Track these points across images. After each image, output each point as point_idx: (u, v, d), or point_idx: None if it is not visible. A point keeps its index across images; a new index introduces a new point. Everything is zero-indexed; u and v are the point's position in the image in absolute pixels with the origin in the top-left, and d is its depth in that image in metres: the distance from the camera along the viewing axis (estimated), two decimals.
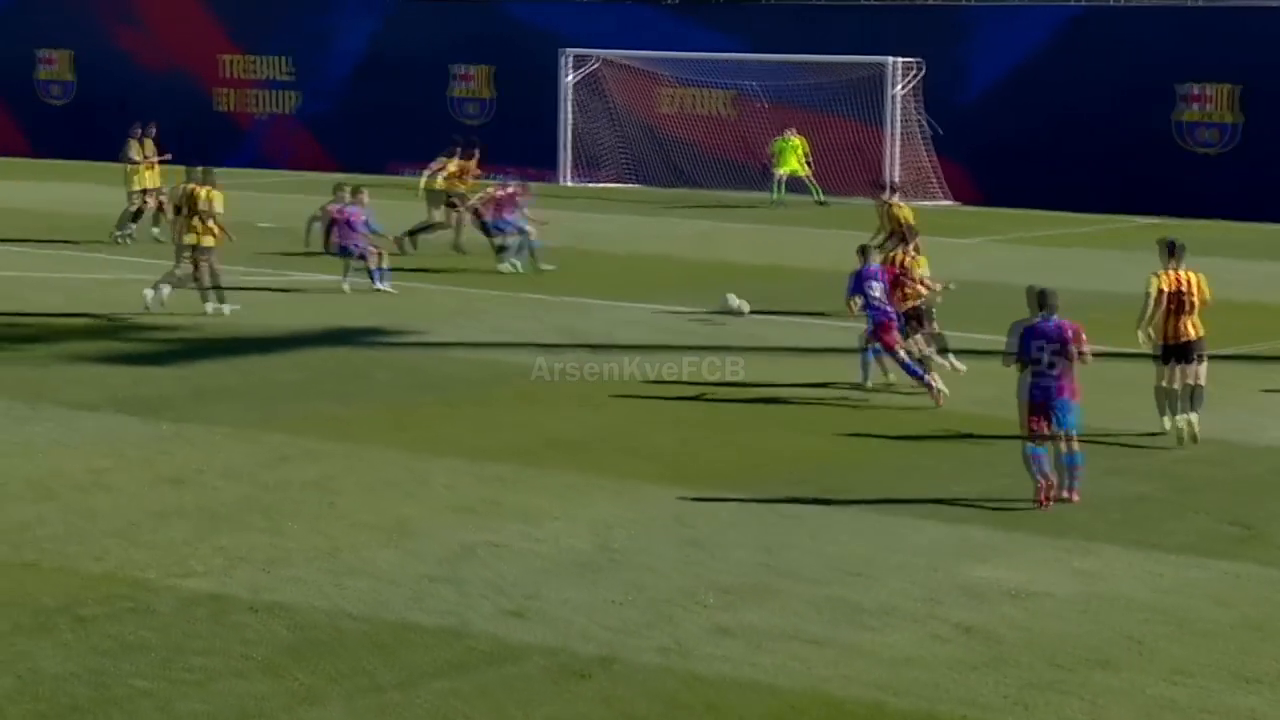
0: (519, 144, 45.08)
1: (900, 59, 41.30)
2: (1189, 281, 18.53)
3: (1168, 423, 18.61)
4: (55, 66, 50.93)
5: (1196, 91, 39.85)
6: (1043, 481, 15.88)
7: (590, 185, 43.86)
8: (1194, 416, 18.47)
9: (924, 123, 40.91)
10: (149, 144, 33.50)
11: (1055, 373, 16.07)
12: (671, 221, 36.83)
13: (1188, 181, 39.26)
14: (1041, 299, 16.24)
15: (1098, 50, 40.61)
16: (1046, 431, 16.03)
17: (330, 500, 15.81)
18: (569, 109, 44.20)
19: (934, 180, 41.28)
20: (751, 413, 19.62)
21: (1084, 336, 16.27)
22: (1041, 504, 15.82)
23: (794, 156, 40.36)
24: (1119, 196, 39.41)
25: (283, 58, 48.65)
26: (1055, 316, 16.21)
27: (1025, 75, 41.11)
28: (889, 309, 20.61)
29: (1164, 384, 18.72)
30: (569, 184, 43.93)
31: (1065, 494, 16.06)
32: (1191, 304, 18.45)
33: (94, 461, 16.99)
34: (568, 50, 44.33)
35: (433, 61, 46.79)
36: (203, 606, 12.86)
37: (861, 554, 14.40)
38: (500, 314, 25.68)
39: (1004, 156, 40.94)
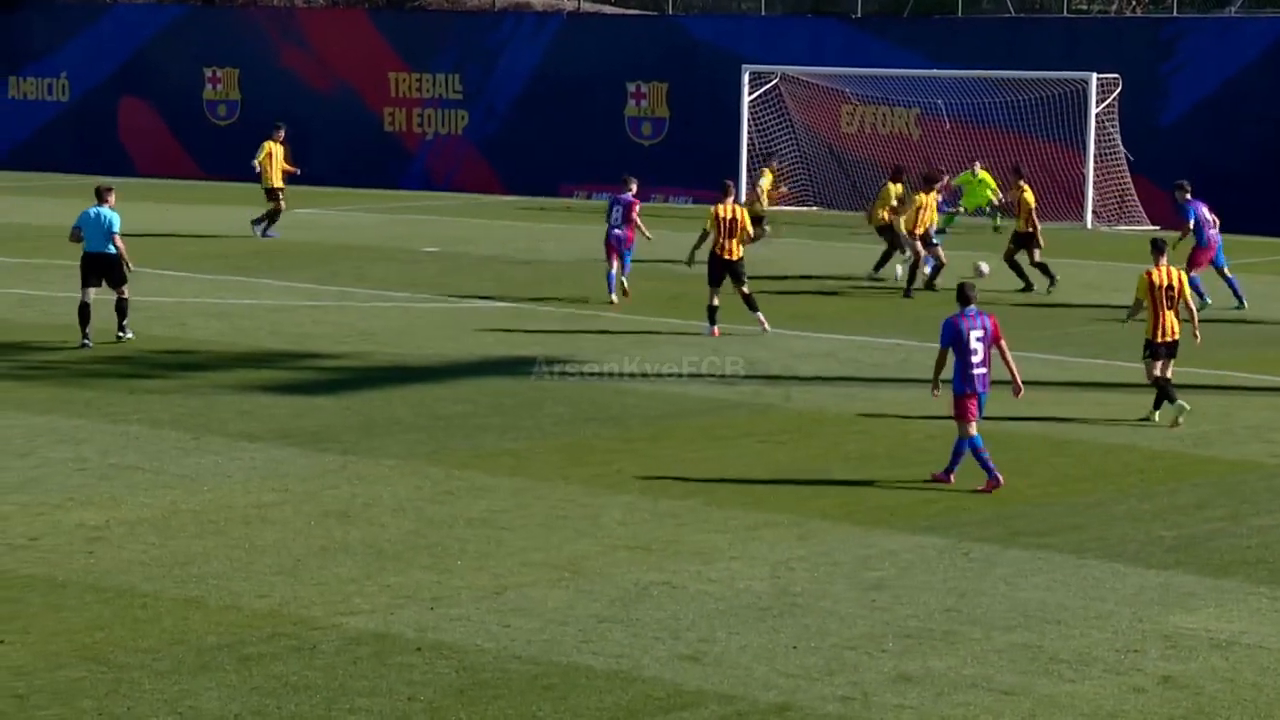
0: (694, 165, 45.22)
1: (1098, 75, 40.82)
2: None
3: None
4: (221, 86, 51.96)
5: None
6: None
7: (769, 208, 43.78)
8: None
9: (1121, 147, 40.39)
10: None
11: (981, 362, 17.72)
12: (853, 247, 36.66)
13: None
14: (962, 292, 18.02)
15: None
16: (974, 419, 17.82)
17: (499, 537, 15.92)
18: (747, 128, 44.19)
19: (1133, 204, 40.75)
20: (941, 449, 19.46)
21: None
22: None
23: (985, 191, 38.99)
24: None
25: (454, 75, 49.21)
26: (973, 308, 17.87)
27: (1233, 92, 40.44)
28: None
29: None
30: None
31: (949, 476, 17.76)
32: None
33: (259, 495, 17.27)
34: (747, 66, 44.34)
35: (606, 79, 47.06)
36: (367, 646, 13.00)
37: (1057, 600, 14.21)
38: (676, 345, 25.74)
39: (1208, 179, 40.23)
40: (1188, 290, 20.95)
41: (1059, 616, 13.80)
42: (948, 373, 18.02)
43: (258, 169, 38.11)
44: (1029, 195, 31.98)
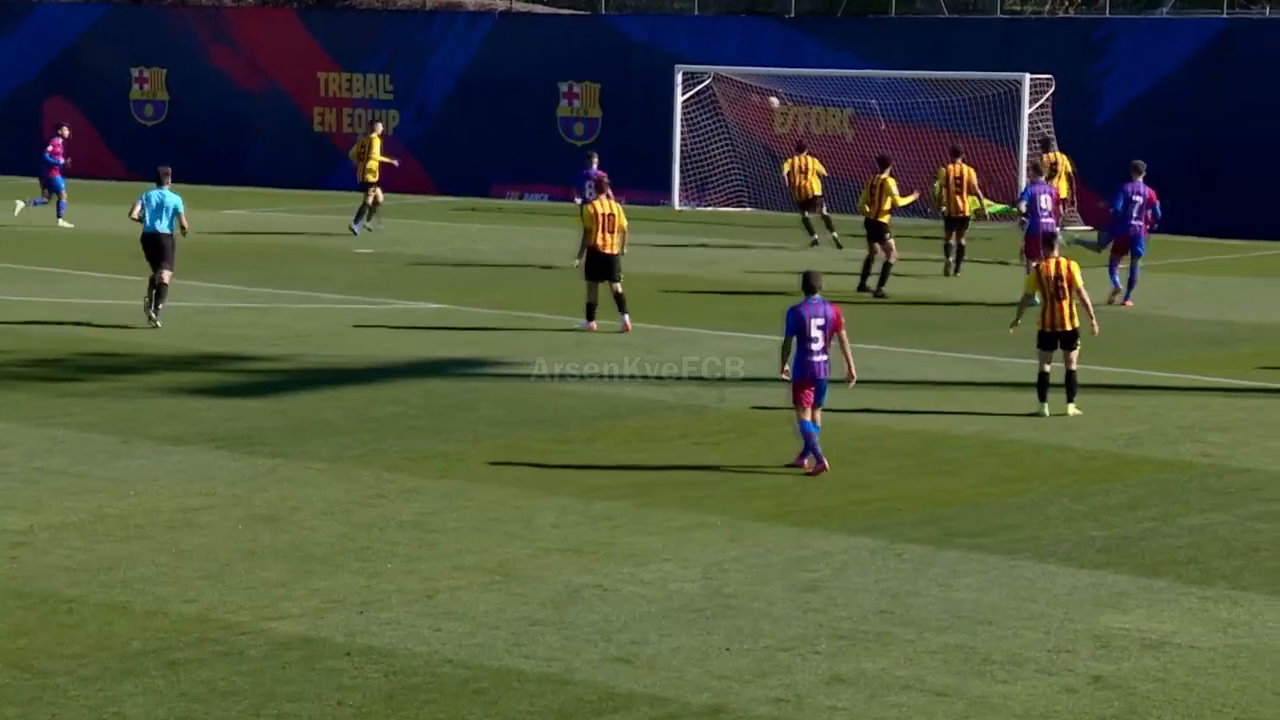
0: (627, 165, 45.23)
1: (1031, 75, 41.03)
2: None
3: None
4: (148, 86, 51.64)
5: None
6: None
7: (702, 209, 43.88)
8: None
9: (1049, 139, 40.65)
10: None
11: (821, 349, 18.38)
12: (788, 247, 36.77)
13: None
14: (807, 281, 18.66)
15: (1244, 66, 40.19)
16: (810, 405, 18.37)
17: (430, 540, 15.88)
18: (680, 128, 44.22)
19: (1068, 204, 40.93)
20: (872, 450, 19.53)
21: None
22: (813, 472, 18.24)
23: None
24: (1270, 222, 38.89)
25: (384, 76, 49.07)
26: (816, 298, 18.49)
27: (1164, 93, 40.73)
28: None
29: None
30: (680, 208, 43.96)
31: (806, 461, 18.35)
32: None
33: (186, 499, 17.17)
34: (680, 66, 44.38)
35: (538, 79, 47.01)
36: (295, 651, 12.95)
37: (990, 601, 14.28)
38: (610, 346, 25.74)
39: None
40: (1079, 281, 21.23)
41: (991, 617, 13.86)
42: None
43: (361, 158, 39.06)
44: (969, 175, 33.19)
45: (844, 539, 16.03)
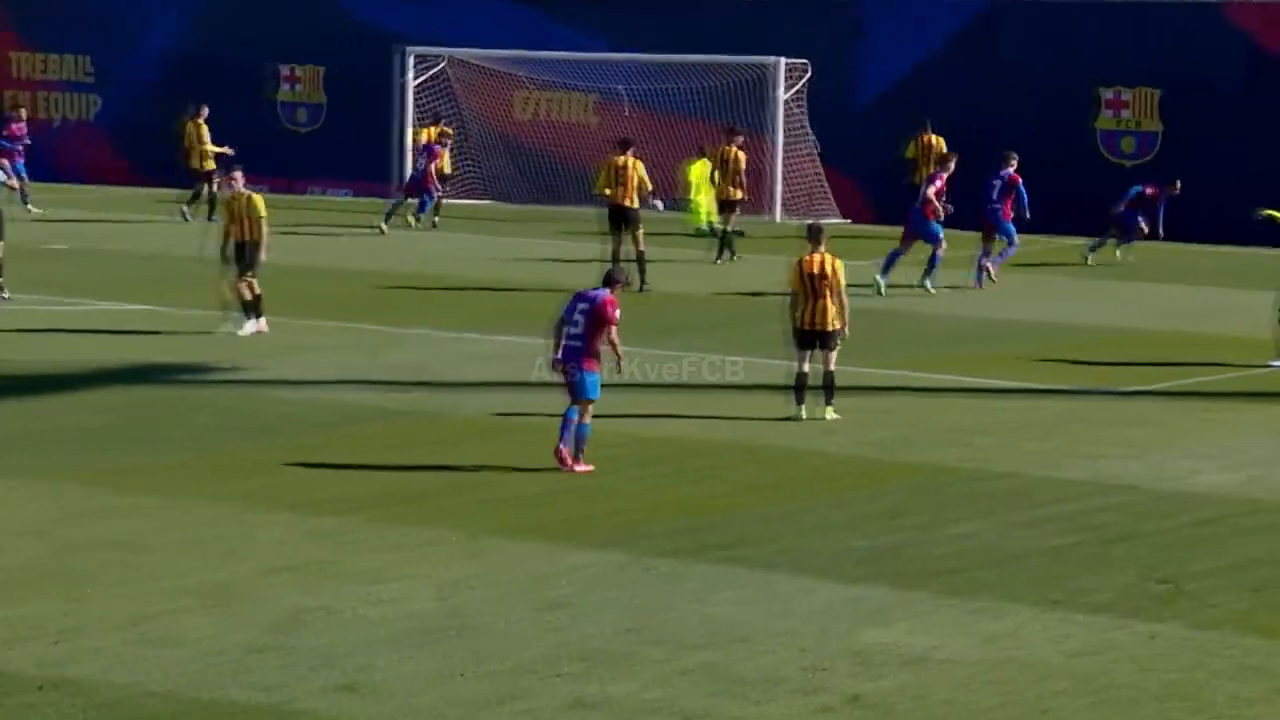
0: (352, 154, 45.00)
1: (786, 59, 41.63)
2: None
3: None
4: None
5: (1117, 96, 40.58)
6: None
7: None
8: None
9: (810, 134, 41.31)
10: None
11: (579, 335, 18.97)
12: (526, 242, 36.91)
13: (1112, 196, 39.73)
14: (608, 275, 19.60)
15: (1007, 51, 41.18)
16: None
17: (138, 561, 15.70)
18: (410, 115, 44.14)
19: (823, 195, 41.61)
20: (623, 457, 19.67)
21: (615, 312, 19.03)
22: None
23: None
24: (1035, 213, 39.86)
25: (84, 57, 48.26)
26: (602, 289, 19.14)
27: (925, 78, 41.56)
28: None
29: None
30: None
31: (577, 466, 18.84)
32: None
33: None
34: (409, 49, 44.31)
35: (254, 62, 46.57)
36: None
37: (744, 618, 14.48)
38: (333, 349, 25.61)
39: (898, 169, 41.23)
40: (842, 281, 21.56)
41: (746, 635, 14.06)
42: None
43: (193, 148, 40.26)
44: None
45: (591, 553, 16.14)
